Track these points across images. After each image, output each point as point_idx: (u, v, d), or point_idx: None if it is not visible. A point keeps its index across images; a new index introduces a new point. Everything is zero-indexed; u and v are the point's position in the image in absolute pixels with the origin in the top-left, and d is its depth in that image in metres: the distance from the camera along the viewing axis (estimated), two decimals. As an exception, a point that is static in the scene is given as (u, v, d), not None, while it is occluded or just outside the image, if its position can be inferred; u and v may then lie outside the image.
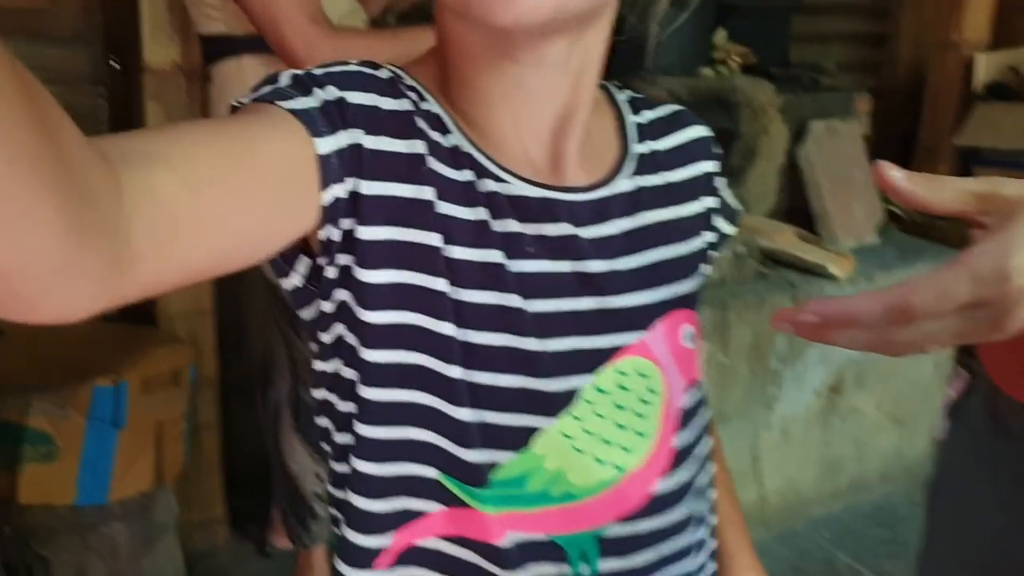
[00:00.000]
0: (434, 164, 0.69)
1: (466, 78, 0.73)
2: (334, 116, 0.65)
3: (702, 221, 0.84)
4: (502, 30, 0.65)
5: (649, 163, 0.81)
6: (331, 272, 0.68)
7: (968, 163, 3.37)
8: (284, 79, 0.67)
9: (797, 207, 2.73)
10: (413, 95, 0.72)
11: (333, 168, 0.64)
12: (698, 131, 0.86)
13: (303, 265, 0.70)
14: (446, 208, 0.69)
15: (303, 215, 0.64)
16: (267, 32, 1.80)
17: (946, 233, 2.94)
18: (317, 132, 0.63)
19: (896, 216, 3.06)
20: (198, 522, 2.36)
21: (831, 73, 2.83)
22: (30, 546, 1.95)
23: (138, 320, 2.27)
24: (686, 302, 0.79)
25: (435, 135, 0.71)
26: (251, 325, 2.61)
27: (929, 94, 3.47)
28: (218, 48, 1.95)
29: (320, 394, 0.75)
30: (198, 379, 2.24)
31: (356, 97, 0.67)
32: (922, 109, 3.47)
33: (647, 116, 0.84)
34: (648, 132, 0.83)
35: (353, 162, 0.66)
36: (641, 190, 0.79)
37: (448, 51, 0.73)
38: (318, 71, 0.68)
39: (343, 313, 0.70)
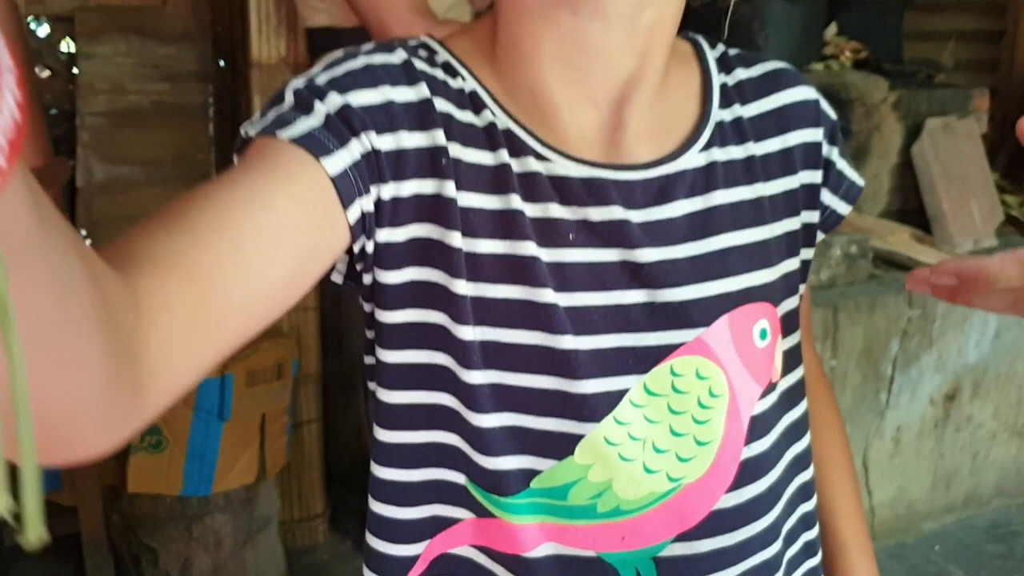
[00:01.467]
0: (458, 151, 0.64)
1: (515, 35, 0.65)
2: (340, 128, 0.59)
3: (798, 199, 0.73)
4: None
5: (731, 132, 0.71)
6: (367, 279, 0.65)
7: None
8: (288, 96, 0.61)
9: (911, 208, 2.63)
10: (440, 73, 0.66)
11: (350, 184, 0.59)
12: (800, 93, 0.74)
13: (342, 263, 0.66)
14: (470, 199, 0.63)
15: (336, 238, 0.60)
16: (371, 25, 1.81)
17: (1070, 236, 2.81)
18: (324, 151, 0.58)
19: (1015, 219, 2.94)
20: (299, 518, 2.37)
21: (947, 70, 2.72)
22: (137, 535, 1.98)
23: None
24: (762, 294, 0.69)
25: (465, 115, 0.65)
26: (351, 322, 2.63)
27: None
28: (324, 41, 1.96)
29: (372, 385, 0.72)
30: (300, 374, 2.25)
31: (363, 97, 0.61)
32: (1043, 108, 3.33)
33: (738, 76, 0.73)
34: (736, 94, 0.73)
35: (371, 170, 0.61)
36: (715, 165, 0.69)
37: (500, 4, 0.66)
38: (321, 76, 0.62)
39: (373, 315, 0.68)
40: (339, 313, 2.60)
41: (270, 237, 0.55)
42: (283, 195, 0.56)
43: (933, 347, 2.36)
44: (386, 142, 0.61)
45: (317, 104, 0.60)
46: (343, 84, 0.61)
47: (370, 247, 0.63)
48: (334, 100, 0.60)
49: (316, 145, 0.58)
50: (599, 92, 0.66)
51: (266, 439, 2.06)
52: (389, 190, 0.62)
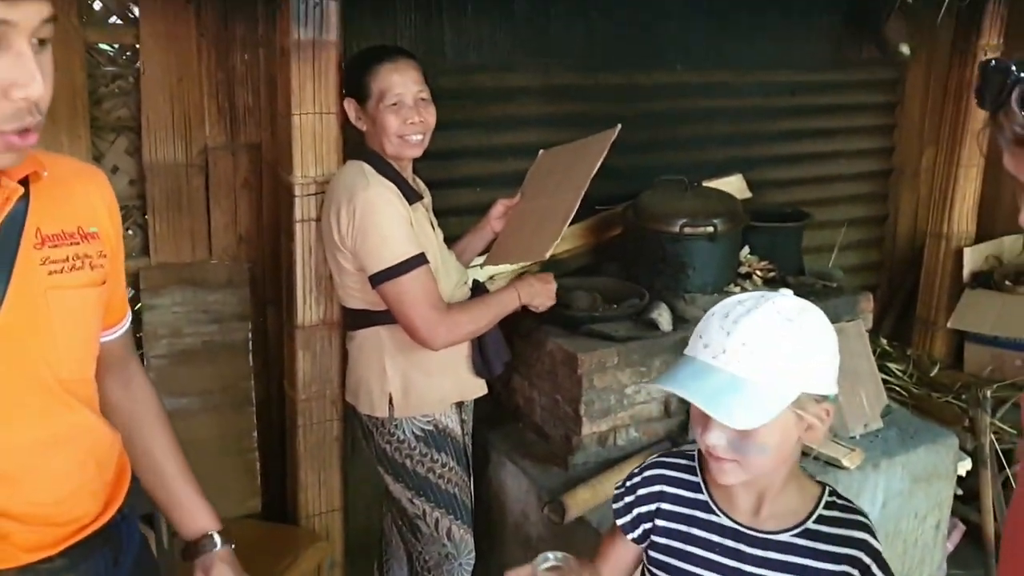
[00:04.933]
0: (671, 507, 1.53)
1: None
2: (637, 521, 1.55)
3: None
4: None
5: (810, 535, 1.43)
6: None
7: (962, 339, 3.90)
8: (626, 497, 1.57)
9: (813, 393, 3.23)
10: (684, 472, 1.54)
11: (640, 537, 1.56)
12: (863, 536, 1.43)
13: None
14: (670, 525, 1.54)
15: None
16: (397, 314, 2.36)
17: (944, 411, 3.44)
18: (627, 532, 1.56)
19: (897, 390, 3.57)
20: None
21: (839, 279, 3.34)
22: None
23: (283, 517, 2.80)
24: None
25: (683, 492, 1.53)
26: (357, 494, 3.11)
27: (925, 278, 4.01)
28: (359, 319, 2.50)
29: None
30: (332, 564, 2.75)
31: (645, 494, 1.56)
32: (919, 291, 4.02)
33: (833, 512, 1.45)
34: (823, 521, 1.44)
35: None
36: (793, 547, 1.43)
37: None
38: (641, 489, 1.57)
39: None
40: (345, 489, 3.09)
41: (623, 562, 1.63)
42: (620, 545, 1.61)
43: (834, 520, 2.94)
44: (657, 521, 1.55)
45: (634, 509, 1.56)
46: (642, 499, 1.56)
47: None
48: (638, 510, 1.55)
49: (629, 531, 1.57)
50: (750, 490, 1.47)
51: (308, 625, 2.55)
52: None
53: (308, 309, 2.62)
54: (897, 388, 3.63)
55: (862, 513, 1.49)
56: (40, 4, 1.10)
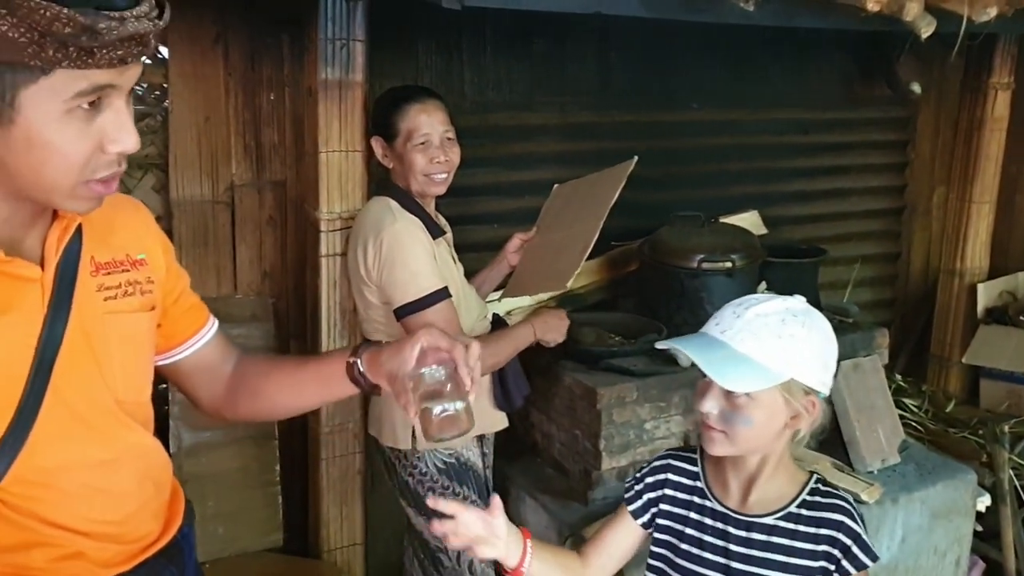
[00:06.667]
0: (673, 493, 1.74)
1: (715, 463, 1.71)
2: (647, 505, 1.74)
3: (819, 554, 1.58)
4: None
5: (792, 518, 1.61)
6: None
7: (977, 375, 3.92)
8: (636, 486, 1.76)
9: (832, 428, 3.24)
10: (685, 464, 1.74)
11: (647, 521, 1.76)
12: (841, 518, 1.59)
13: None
14: (672, 508, 1.74)
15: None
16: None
17: (961, 447, 3.45)
18: (637, 516, 1.74)
19: (914, 426, 3.58)
20: None
21: (854, 315, 3.37)
22: None
23: (304, 551, 2.82)
24: None
25: (685, 480, 1.73)
26: (378, 530, 3.13)
27: (939, 315, 4.03)
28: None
29: None
30: (353, 598, 2.77)
31: (652, 481, 1.76)
32: (932, 327, 4.03)
33: (815, 498, 1.62)
34: (805, 505, 1.62)
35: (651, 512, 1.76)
36: (775, 528, 1.62)
37: None
38: (649, 477, 1.75)
39: None
40: (367, 521, 3.11)
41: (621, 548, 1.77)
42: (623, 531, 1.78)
43: (853, 554, 2.94)
44: (665, 501, 1.75)
45: (644, 495, 1.76)
46: (654, 483, 1.76)
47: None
48: (648, 495, 1.75)
49: (638, 516, 1.76)
50: (740, 477, 1.67)
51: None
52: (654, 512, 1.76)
53: (332, 342, 2.66)
54: (913, 424, 3.64)
55: (844, 499, 1.64)
56: (139, 67, 1.17)
